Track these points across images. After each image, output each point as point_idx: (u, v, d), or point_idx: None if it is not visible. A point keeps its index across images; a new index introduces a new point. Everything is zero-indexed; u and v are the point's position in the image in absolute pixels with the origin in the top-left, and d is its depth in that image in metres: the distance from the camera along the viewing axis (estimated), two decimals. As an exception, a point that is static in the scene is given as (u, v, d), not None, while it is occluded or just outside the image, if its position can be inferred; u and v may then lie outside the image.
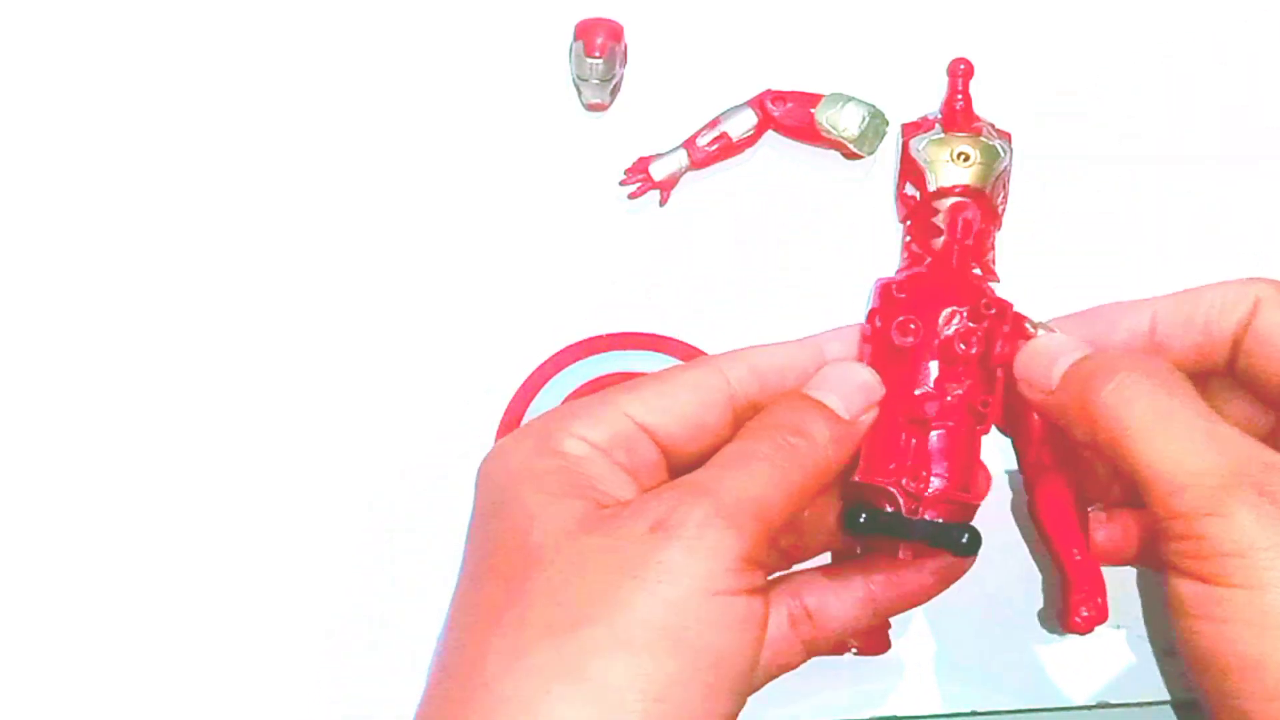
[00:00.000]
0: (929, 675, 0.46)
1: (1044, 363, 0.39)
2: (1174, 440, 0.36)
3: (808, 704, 0.46)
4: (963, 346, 0.40)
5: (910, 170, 0.48)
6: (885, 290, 0.41)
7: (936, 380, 0.40)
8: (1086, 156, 0.50)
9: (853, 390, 0.40)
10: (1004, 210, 0.48)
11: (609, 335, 0.47)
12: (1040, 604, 0.46)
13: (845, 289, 0.48)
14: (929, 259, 0.42)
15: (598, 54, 0.48)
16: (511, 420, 0.46)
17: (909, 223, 0.48)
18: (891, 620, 0.45)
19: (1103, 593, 0.40)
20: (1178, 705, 0.45)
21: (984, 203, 0.47)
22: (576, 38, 0.49)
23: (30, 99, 0.50)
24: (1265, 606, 0.33)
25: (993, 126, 0.48)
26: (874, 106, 0.47)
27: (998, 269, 0.48)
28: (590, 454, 0.38)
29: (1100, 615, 0.40)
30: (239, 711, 0.45)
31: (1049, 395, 0.39)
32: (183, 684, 0.45)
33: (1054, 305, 0.46)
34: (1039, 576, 0.46)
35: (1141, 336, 0.41)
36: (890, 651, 0.45)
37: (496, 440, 0.44)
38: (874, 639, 0.44)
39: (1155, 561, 0.38)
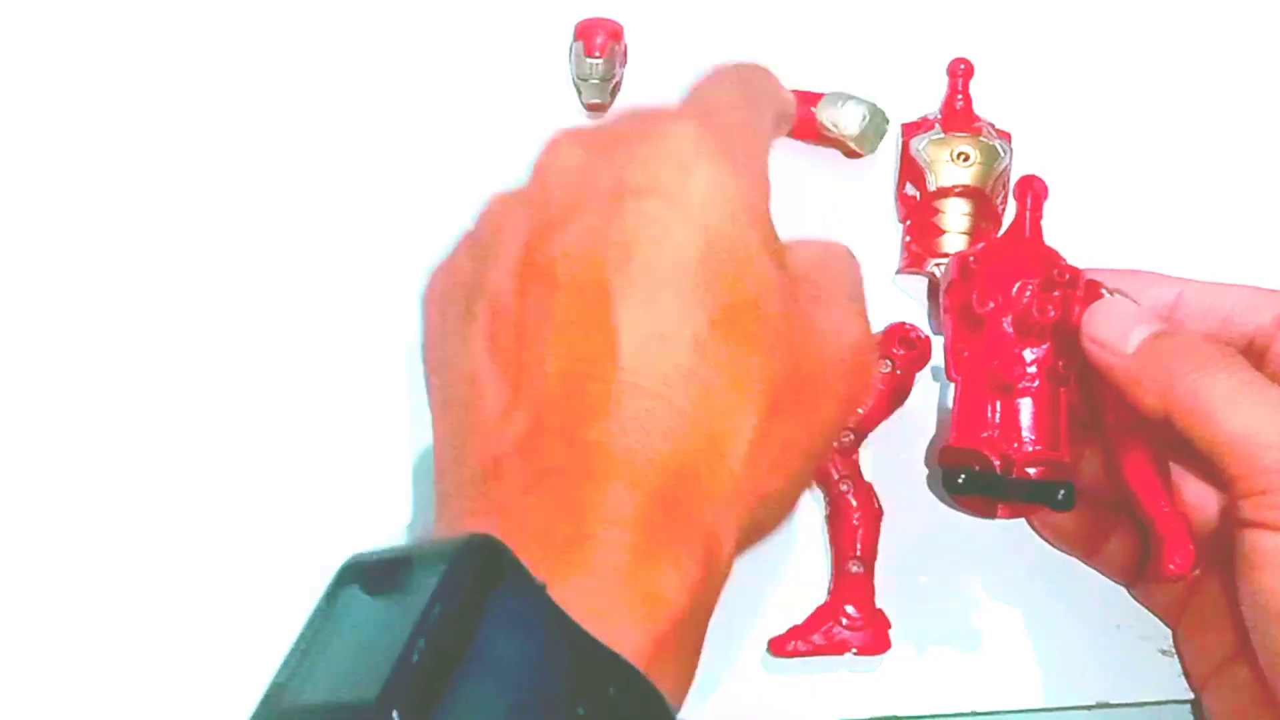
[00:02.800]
0: (929, 675, 0.46)
1: (1118, 327, 0.41)
2: (1259, 409, 0.37)
3: (808, 704, 0.46)
4: (1039, 313, 0.41)
5: (910, 170, 0.48)
6: (962, 262, 0.43)
7: (1017, 346, 0.42)
8: (1086, 156, 0.50)
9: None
10: (1004, 210, 0.48)
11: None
12: (1040, 604, 0.46)
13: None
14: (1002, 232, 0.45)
15: (598, 54, 0.48)
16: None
17: (909, 222, 0.48)
18: (891, 620, 0.45)
19: (1192, 542, 0.41)
20: (1178, 705, 0.45)
21: (984, 203, 0.47)
22: (576, 38, 0.49)
23: (30, 99, 0.50)
24: None
25: (993, 126, 0.48)
26: (874, 105, 0.48)
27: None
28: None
29: (1190, 562, 0.41)
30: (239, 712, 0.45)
31: (1121, 359, 0.40)
32: (183, 684, 0.45)
33: (1054, 305, 0.47)
34: (1039, 576, 0.46)
35: (1166, 308, 0.43)
36: (890, 651, 0.45)
37: None
38: (874, 639, 0.44)
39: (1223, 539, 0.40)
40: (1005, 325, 0.42)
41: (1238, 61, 0.51)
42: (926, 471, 0.47)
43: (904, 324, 0.47)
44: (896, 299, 0.48)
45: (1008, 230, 0.44)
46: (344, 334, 0.48)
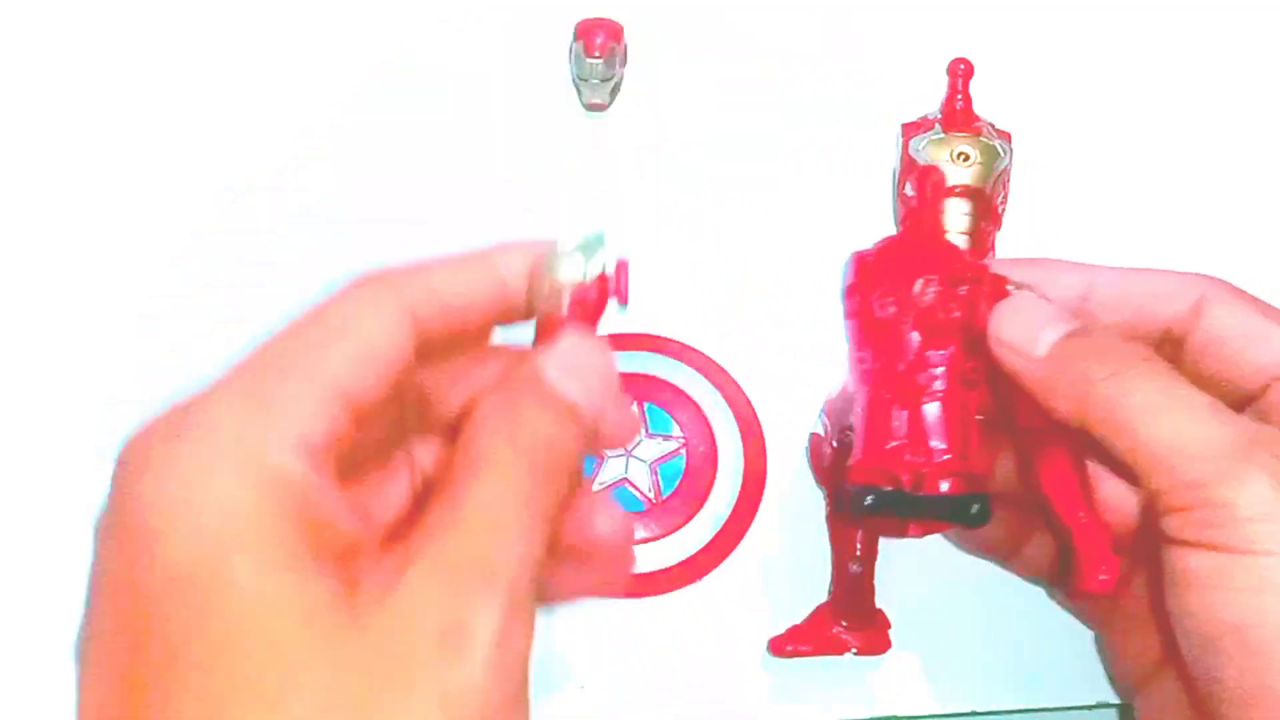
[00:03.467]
0: (929, 675, 0.46)
1: (1028, 327, 0.38)
2: (1180, 416, 0.35)
3: (808, 704, 0.46)
4: (943, 314, 0.39)
5: (910, 170, 0.48)
6: (860, 263, 0.40)
7: (920, 350, 0.39)
8: (1086, 156, 0.50)
9: (597, 377, 0.33)
10: (1004, 210, 0.48)
11: (608, 336, 0.47)
12: (1041, 604, 0.46)
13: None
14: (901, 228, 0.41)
15: (598, 54, 0.48)
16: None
17: (909, 223, 0.48)
18: (891, 620, 0.45)
19: (1115, 555, 0.38)
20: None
21: (984, 203, 0.47)
22: (576, 38, 0.49)
23: (29, 100, 0.50)
24: None
25: (993, 126, 0.48)
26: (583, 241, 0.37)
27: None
28: (308, 473, 0.28)
29: (1114, 578, 0.38)
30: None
31: (1032, 364, 0.37)
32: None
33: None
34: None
35: (1075, 299, 0.40)
36: (890, 651, 0.45)
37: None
38: (874, 639, 0.44)
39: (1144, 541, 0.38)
40: (908, 328, 0.39)
41: (1237, 61, 0.51)
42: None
43: None
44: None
45: (905, 225, 0.41)
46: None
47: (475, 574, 0.28)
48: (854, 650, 0.44)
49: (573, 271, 0.34)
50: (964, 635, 0.46)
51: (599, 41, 0.48)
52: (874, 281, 0.39)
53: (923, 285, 0.39)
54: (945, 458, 0.38)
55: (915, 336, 0.39)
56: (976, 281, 0.39)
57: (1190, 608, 0.34)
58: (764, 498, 0.46)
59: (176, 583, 0.27)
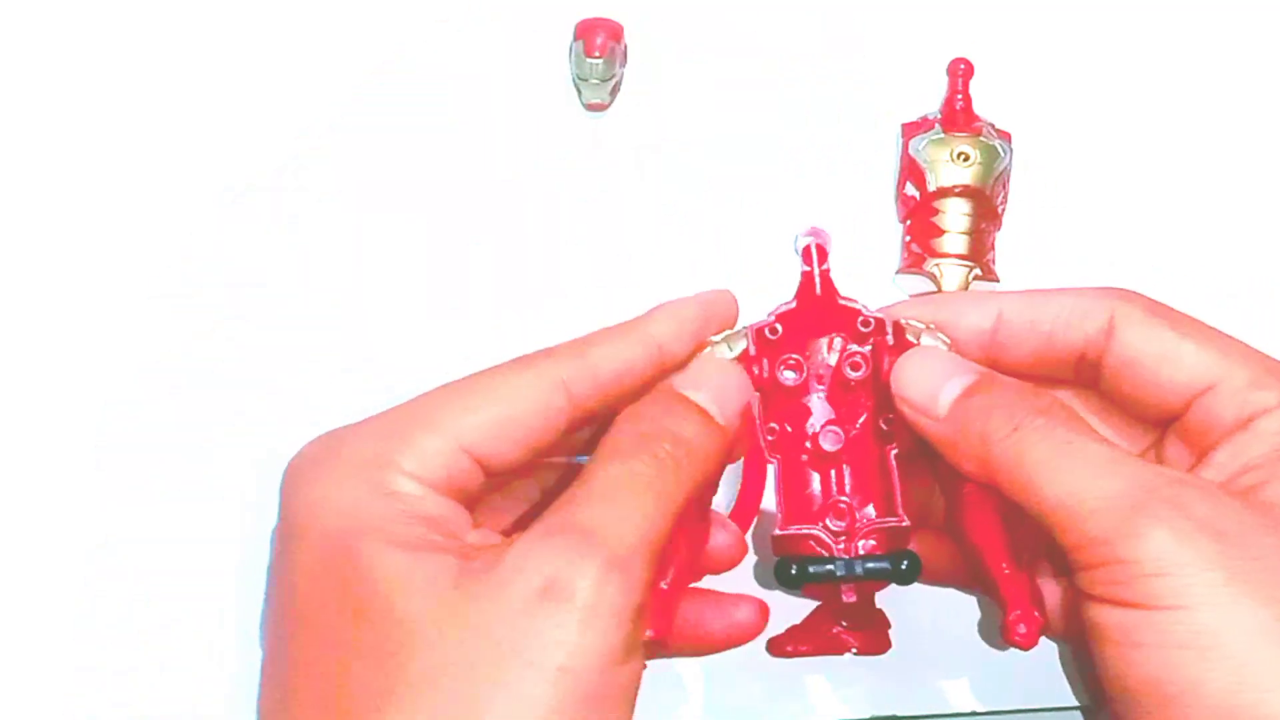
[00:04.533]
0: (929, 675, 0.46)
1: (927, 385, 0.37)
2: (1077, 471, 0.34)
3: (808, 704, 0.46)
4: (851, 372, 0.39)
5: (910, 170, 0.48)
6: (759, 334, 0.39)
7: (832, 411, 0.39)
8: (1086, 156, 0.50)
9: (728, 388, 0.37)
10: (1004, 210, 0.48)
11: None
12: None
13: (845, 289, 0.48)
14: (795, 294, 0.40)
15: (598, 54, 0.48)
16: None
17: (909, 223, 0.48)
18: (891, 620, 0.45)
19: (1039, 603, 0.38)
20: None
21: (984, 203, 0.47)
22: (576, 38, 0.49)
23: (29, 100, 0.50)
24: (1196, 627, 0.32)
25: (993, 126, 0.48)
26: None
27: (998, 269, 0.48)
28: (426, 494, 0.34)
29: (1038, 626, 0.38)
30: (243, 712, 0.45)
31: (934, 424, 0.37)
32: (186, 685, 0.45)
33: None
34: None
35: (984, 334, 0.39)
36: (890, 651, 0.45)
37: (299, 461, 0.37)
38: (874, 639, 0.44)
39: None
40: (816, 390, 0.39)
41: (1237, 61, 0.51)
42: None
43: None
44: (896, 299, 0.48)
45: (797, 293, 0.40)
46: (340, 335, 0.48)
47: (577, 537, 0.32)
48: (854, 650, 0.44)
49: (721, 354, 0.38)
50: (964, 635, 0.46)
51: (599, 41, 0.48)
52: (776, 349, 0.39)
53: (827, 346, 0.39)
54: (868, 518, 0.38)
55: (825, 398, 0.39)
56: (880, 334, 0.39)
57: (1107, 662, 0.34)
58: (763, 497, 0.46)
59: (318, 566, 0.33)
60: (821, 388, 0.39)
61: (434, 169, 0.49)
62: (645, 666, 0.34)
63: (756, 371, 0.39)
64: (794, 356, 0.39)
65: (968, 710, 0.45)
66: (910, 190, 0.48)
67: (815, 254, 0.40)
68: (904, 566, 0.37)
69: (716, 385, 0.37)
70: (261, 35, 0.50)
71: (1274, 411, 0.35)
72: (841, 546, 0.38)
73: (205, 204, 0.49)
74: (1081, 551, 0.34)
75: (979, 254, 0.47)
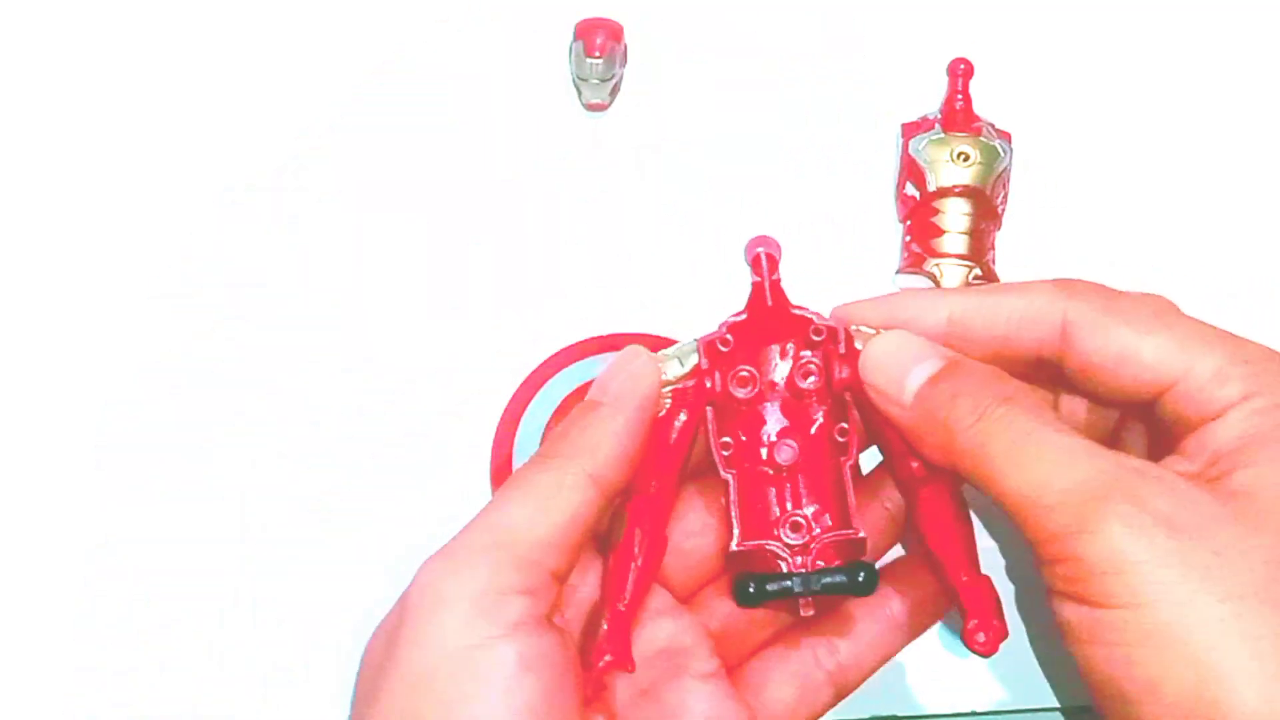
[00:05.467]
0: (929, 675, 0.46)
1: (894, 371, 0.37)
2: (1038, 463, 0.33)
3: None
4: (802, 382, 0.38)
5: (910, 170, 0.48)
6: (711, 347, 0.38)
7: (785, 422, 0.38)
8: (1086, 156, 0.50)
9: (620, 382, 0.38)
10: (1004, 210, 0.48)
11: (608, 336, 0.47)
12: (1041, 603, 0.46)
13: (845, 289, 0.48)
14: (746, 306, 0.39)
15: (598, 54, 0.48)
16: (509, 421, 0.46)
17: (909, 222, 0.48)
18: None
19: (996, 611, 0.37)
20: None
21: (984, 202, 0.47)
22: (576, 38, 0.49)
23: (30, 100, 0.50)
24: (1153, 625, 0.31)
25: (993, 126, 0.48)
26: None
27: (998, 269, 0.48)
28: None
29: (998, 635, 0.37)
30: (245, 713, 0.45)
31: (901, 411, 0.36)
32: (186, 685, 0.45)
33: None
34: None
35: (939, 337, 0.38)
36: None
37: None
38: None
39: None
40: (769, 402, 0.38)
41: (1237, 61, 0.51)
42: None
43: None
44: (896, 299, 0.48)
45: (748, 303, 0.39)
46: (340, 335, 0.48)
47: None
48: (854, 650, 0.44)
49: (671, 371, 0.38)
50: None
51: (599, 41, 0.48)
52: (728, 362, 0.38)
53: (779, 356, 0.38)
54: (824, 530, 0.37)
55: (778, 408, 0.38)
56: (832, 343, 0.38)
57: (1075, 657, 0.33)
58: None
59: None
60: (775, 399, 0.38)
61: (434, 169, 0.49)
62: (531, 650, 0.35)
63: (709, 385, 0.38)
64: (746, 368, 0.38)
65: (968, 710, 0.45)
66: (910, 190, 0.48)
67: (765, 263, 0.39)
68: (861, 579, 0.36)
69: (613, 382, 0.38)
70: (261, 35, 0.50)
71: (1240, 405, 0.34)
72: (799, 561, 0.37)
73: (205, 204, 0.49)
74: (1042, 546, 0.33)
75: (979, 254, 0.47)
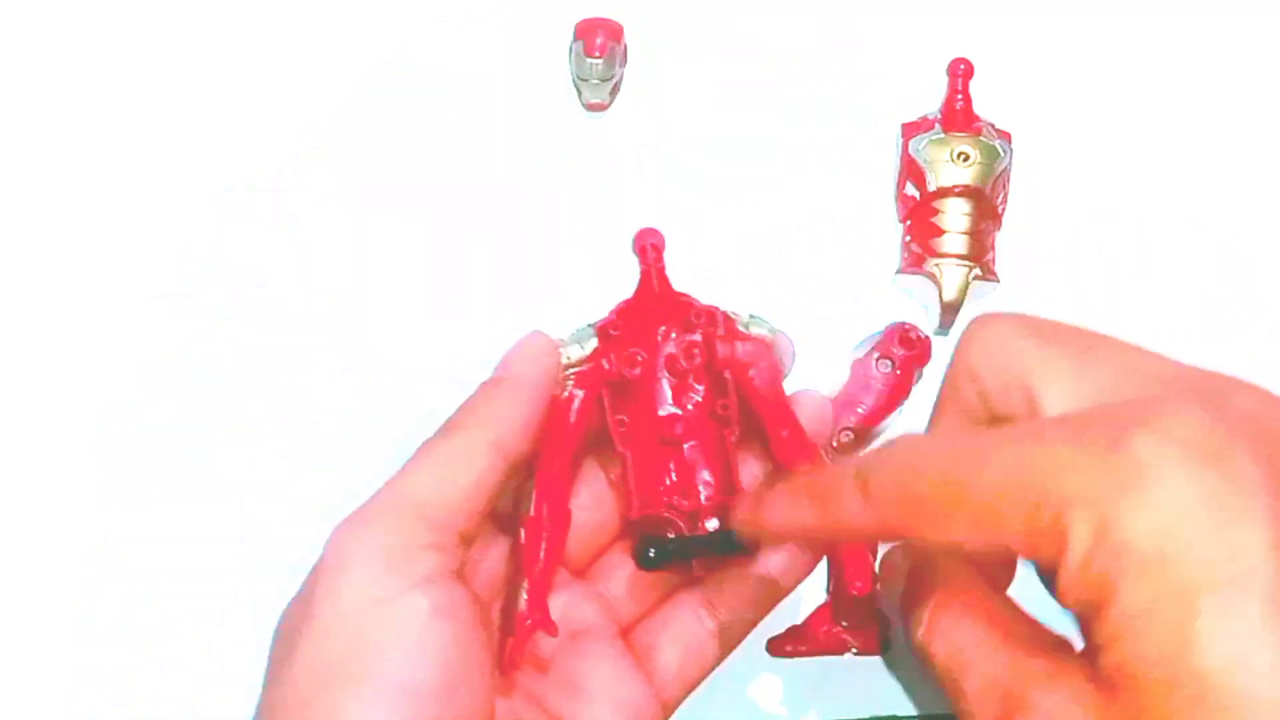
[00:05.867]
0: (929, 675, 0.46)
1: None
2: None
3: (808, 704, 0.46)
4: (685, 361, 0.41)
5: (910, 170, 0.48)
6: (603, 331, 0.41)
7: (673, 397, 0.41)
8: (1086, 156, 0.50)
9: (521, 361, 0.40)
10: (1004, 210, 0.48)
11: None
12: (1041, 603, 0.46)
13: (845, 289, 0.48)
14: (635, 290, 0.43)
15: (598, 54, 0.48)
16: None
17: (909, 222, 0.48)
18: (891, 620, 0.45)
19: (870, 562, 0.40)
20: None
21: (984, 202, 0.47)
22: (576, 38, 0.49)
23: (30, 100, 0.50)
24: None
25: (992, 126, 0.48)
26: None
27: (998, 269, 0.48)
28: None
29: (869, 588, 0.40)
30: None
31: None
32: (186, 685, 0.45)
33: (1055, 305, 0.46)
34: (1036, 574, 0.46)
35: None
36: (890, 651, 0.45)
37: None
38: (873, 639, 0.44)
39: None
40: (658, 381, 0.41)
41: (1237, 61, 0.51)
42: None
43: (904, 324, 0.47)
44: (897, 299, 0.48)
45: (637, 290, 0.43)
46: (340, 335, 0.48)
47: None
48: (854, 650, 0.44)
49: (573, 354, 0.41)
50: (964, 635, 0.46)
51: (599, 41, 0.48)
52: (619, 344, 0.41)
53: (664, 334, 0.41)
54: (711, 495, 0.40)
55: (666, 385, 0.41)
56: (711, 324, 0.41)
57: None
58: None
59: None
60: (663, 377, 0.41)
61: (434, 169, 0.49)
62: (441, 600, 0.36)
63: (606, 366, 0.41)
64: (636, 350, 0.41)
65: (968, 710, 0.45)
66: (910, 190, 0.48)
67: (651, 253, 0.43)
68: (745, 540, 0.39)
69: (515, 360, 0.40)
70: (261, 35, 0.50)
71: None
72: (691, 525, 0.40)
73: (205, 204, 0.49)
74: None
75: (979, 254, 0.47)
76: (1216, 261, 0.48)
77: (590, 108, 0.50)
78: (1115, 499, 0.28)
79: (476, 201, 0.49)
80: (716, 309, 0.42)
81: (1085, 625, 0.30)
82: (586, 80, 0.49)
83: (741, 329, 0.41)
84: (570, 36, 0.49)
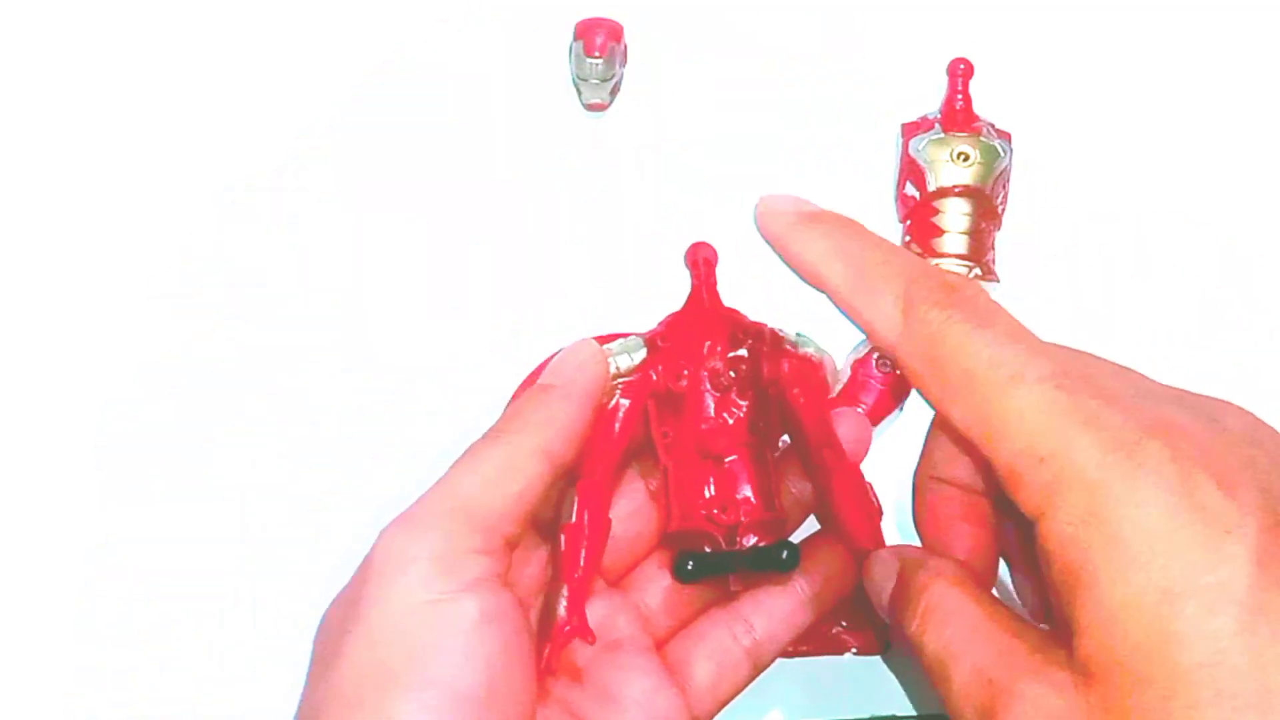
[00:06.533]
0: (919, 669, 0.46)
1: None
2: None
3: (808, 704, 0.46)
4: (731, 374, 0.41)
5: (910, 170, 0.48)
6: (651, 343, 0.41)
7: (716, 411, 0.41)
8: (1086, 156, 0.50)
9: (570, 368, 0.40)
10: (1004, 210, 0.48)
11: (607, 336, 0.47)
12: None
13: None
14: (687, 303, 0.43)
15: (598, 54, 0.48)
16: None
17: (909, 222, 0.48)
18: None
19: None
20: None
21: (984, 202, 0.47)
22: (576, 38, 0.49)
23: (30, 99, 0.50)
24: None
25: (992, 126, 0.48)
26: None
27: (998, 269, 0.48)
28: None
29: (871, 648, 0.42)
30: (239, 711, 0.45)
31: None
32: (186, 685, 0.45)
33: (1055, 305, 0.47)
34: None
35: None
36: (890, 651, 0.45)
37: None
38: (874, 639, 0.44)
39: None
40: (703, 394, 0.41)
41: (1237, 61, 0.51)
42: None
43: None
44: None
45: (686, 302, 0.43)
46: (340, 336, 0.48)
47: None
48: (854, 650, 0.44)
49: (622, 364, 0.41)
50: (964, 635, 0.46)
51: (599, 41, 0.48)
52: (665, 357, 0.41)
53: (709, 349, 0.41)
54: (750, 510, 0.40)
55: (709, 399, 0.41)
56: (758, 340, 0.41)
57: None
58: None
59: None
60: (707, 391, 0.41)
61: (434, 169, 0.49)
62: (490, 607, 0.36)
63: (654, 377, 0.41)
64: (683, 363, 0.41)
65: (968, 710, 0.45)
66: (910, 190, 0.48)
67: (704, 267, 0.42)
68: (785, 555, 0.39)
69: (561, 367, 0.40)
70: (262, 35, 0.50)
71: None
72: (729, 540, 0.40)
73: (205, 204, 0.49)
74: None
75: (979, 254, 0.48)
76: (1216, 262, 0.48)
77: (590, 108, 0.50)
78: (1115, 491, 0.30)
79: (476, 201, 0.49)
80: (764, 325, 0.42)
81: (1060, 598, 0.31)
82: (586, 80, 0.49)
83: (789, 347, 0.41)
84: (570, 36, 0.49)
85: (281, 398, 0.47)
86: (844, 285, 0.36)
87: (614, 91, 0.50)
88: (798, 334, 0.42)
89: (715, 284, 0.42)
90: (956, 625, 0.35)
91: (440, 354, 0.48)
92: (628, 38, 0.49)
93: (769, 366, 0.41)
